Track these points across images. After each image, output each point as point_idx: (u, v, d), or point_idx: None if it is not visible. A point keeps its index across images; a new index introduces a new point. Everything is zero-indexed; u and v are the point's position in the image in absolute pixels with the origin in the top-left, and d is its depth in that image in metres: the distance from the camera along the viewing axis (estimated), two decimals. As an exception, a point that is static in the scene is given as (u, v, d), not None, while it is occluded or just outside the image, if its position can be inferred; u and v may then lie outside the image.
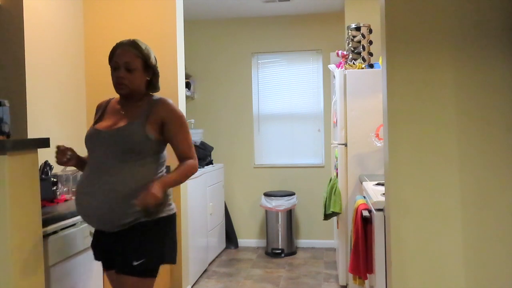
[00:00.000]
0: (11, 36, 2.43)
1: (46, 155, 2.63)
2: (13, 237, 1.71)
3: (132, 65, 2.10)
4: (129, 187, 2.00)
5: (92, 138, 2.10)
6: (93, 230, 2.22)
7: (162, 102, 2.15)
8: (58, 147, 2.08)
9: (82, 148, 3.57)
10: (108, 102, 2.27)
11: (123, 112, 2.15)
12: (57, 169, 2.89)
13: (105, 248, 2.12)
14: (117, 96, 2.24)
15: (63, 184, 2.67)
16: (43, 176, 2.40)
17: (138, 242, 2.04)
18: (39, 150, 1.89)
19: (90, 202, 2.01)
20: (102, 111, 2.23)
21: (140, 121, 2.08)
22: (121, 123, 2.09)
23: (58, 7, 3.26)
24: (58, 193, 2.54)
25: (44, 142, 1.90)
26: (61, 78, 3.28)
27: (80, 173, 3.17)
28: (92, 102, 3.57)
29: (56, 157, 2.08)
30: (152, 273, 2.08)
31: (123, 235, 2.04)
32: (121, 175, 2.01)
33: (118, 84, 2.11)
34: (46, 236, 2.03)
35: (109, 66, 2.14)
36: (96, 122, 2.20)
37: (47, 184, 2.44)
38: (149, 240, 2.06)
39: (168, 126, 2.12)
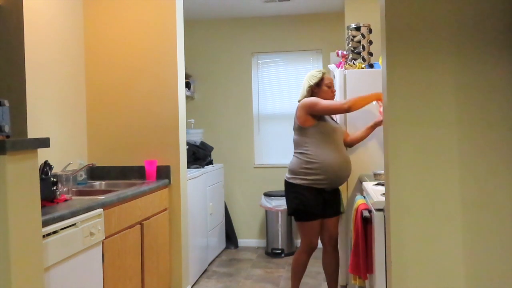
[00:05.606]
0: (11, 36, 2.43)
1: (46, 155, 2.62)
2: (13, 237, 1.71)
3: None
4: None
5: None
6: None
7: None
8: None
9: (81, 147, 3.55)
10: None
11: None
12: (57, 169, 2.89)
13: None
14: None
15: (63, 184, 2.67)
16: (43, 176, 2.40)
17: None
18: (39, 150, 1.88)
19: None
20: None
21: None
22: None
23: (58, 7, 3.26)
24: (58, 193, 2.54)
25: (44, 142, 1.90)
26: (61, 78, 3.28)
27: (80, 172, 3.17)
28: (92, 102, 3.57)
29: None
30: None
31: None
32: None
33: (333, 95, 3.40)
34: (46, 236, 2.03)
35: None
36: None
37: (47, 184, 2.43)
38: None
39: None
